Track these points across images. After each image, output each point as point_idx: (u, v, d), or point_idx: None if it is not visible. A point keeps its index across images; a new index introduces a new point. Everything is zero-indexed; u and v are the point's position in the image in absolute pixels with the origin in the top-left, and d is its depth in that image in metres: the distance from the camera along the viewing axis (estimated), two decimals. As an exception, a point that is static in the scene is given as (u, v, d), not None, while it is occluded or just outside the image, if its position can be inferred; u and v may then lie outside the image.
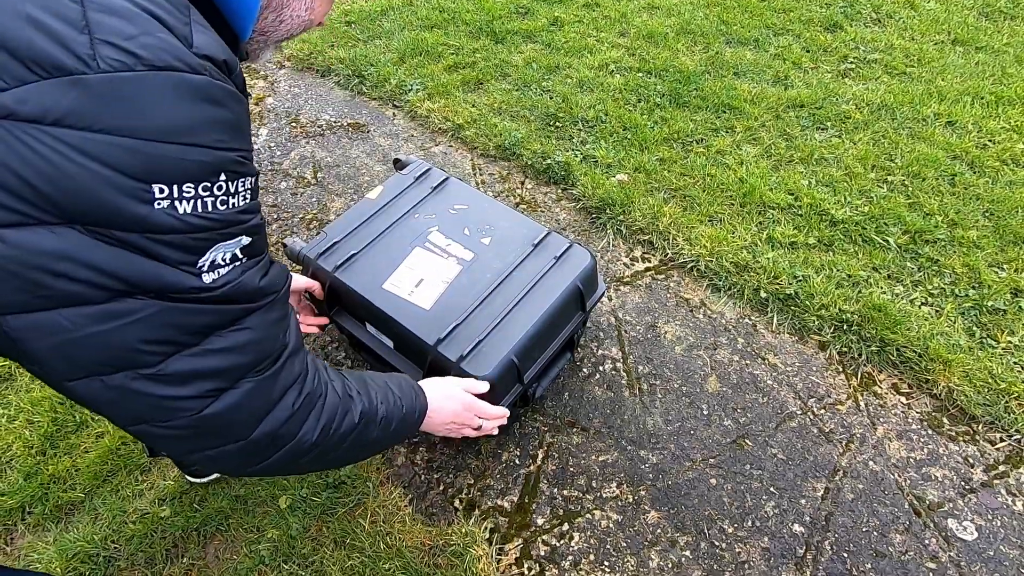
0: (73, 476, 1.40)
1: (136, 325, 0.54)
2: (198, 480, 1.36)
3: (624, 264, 1.85)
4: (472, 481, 1.39)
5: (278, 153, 2.30)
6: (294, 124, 2.43)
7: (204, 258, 0.55)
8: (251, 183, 0.59)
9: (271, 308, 0.64)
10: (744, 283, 1.75)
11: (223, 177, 0.55)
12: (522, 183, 2.14)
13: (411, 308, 1.26)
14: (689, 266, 1.82)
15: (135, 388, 0.56)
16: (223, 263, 0.57)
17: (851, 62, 2.61)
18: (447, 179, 1.51)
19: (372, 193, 1.48)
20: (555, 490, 1.37)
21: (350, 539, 1.28)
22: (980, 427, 1.46)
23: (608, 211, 1.97)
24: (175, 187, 0.51)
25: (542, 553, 1.28)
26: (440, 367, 1.22)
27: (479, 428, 1.10)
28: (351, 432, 0.75)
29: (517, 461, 1.42)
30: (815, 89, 2.43)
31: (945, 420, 1.48)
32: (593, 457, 1.42)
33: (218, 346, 0.59)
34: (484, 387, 1.13)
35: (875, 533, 1.29)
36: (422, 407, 0.95)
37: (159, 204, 0.51)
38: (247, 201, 0.58)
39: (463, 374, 1.18)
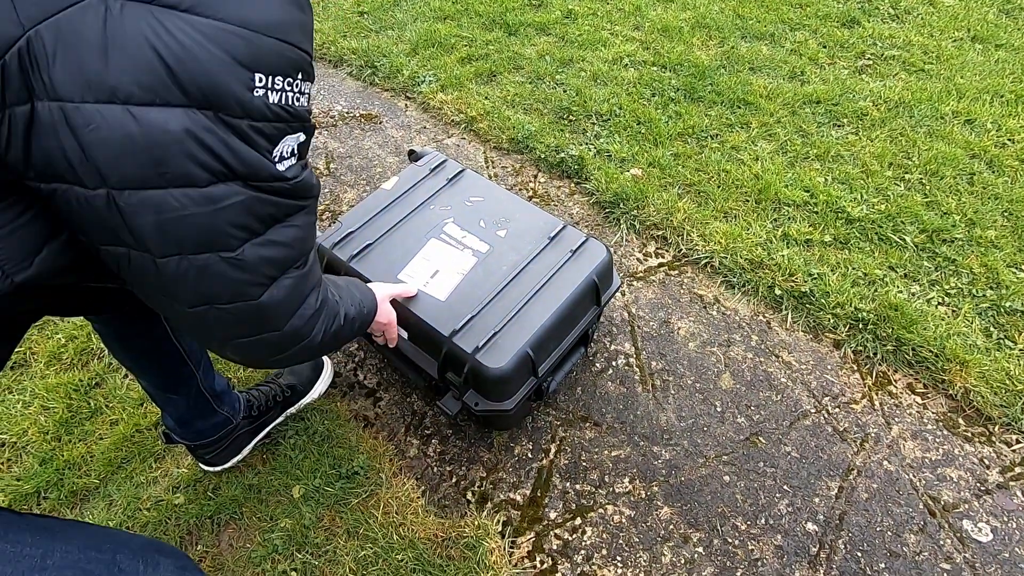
0: (88, 462, 1.41)
1: (228, 210, 0.61)
2: (212, 468, 1.36)
3: (637, 259, 1.84)
4: (485, 474, 1.39)
5: (290, 143, 2.29)
6: (306, 114, 2.43)
7: (277, 148, 0.63)
8: (312, 89, 0.67)
9: (311, 210, 0.73)
10: (759, 280, 1.74)
11: (300, 76, 0.63)
12: (535, 176, 2.12)
13: (426, 299, 1.26)
14: (703, 262, 1.81)
15: (216, 270, 0.64)
16: (287, 155, 0.65)
17: (868, 58, 2.58)
18: (463, 171, 1.50)
19: (387, 184, 1.48)
20: (568, 484, 1.37)
21: (363, 529, 1.28)
22: (996, 428, 1.45)
23: (622, 206, 1.96)
24: (270, 78, 0.59)
25: (554, 547, 1.28)
26: (455, 358, 1.21)
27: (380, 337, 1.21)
28: (338, 331, 0.87)
29: (530, 455, 1.42)
30: (832, 85, 2.40)
31: (961, 421, 1.47)
32: (606, 452, 1.42)
33: (275, 238, 0.67)
34: (413, 292, 1.27)
35: (889, 533, 1.29)
36: (373, 307, 1.04)
37: (257, 92, 0.58)
38: (309, 103, 0.67)
39: (479, 366, 1.17)
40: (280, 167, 0.64)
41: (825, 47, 2.65)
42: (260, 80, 0.58)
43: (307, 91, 0.65)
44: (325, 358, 1.54)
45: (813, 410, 1.49)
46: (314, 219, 0.75)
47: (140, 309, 1.01)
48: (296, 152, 0.66)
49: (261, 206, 0.64)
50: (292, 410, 1.46)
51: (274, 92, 0.60)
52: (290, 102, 0.62)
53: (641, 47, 2.66)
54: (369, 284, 1.12)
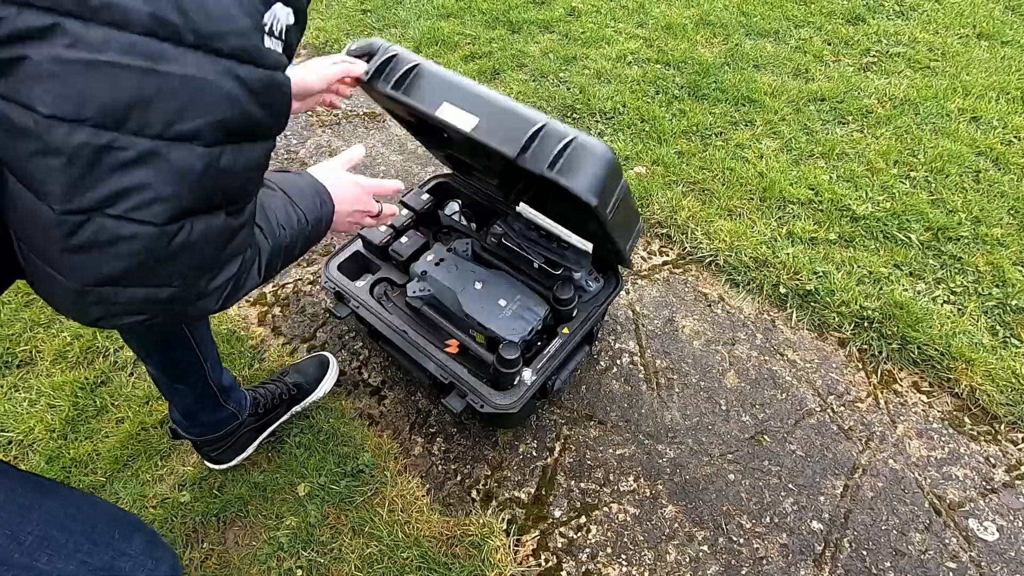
0: (94, 460, 1.41)
1: (165, 79, 0.46)
2: (217, 466, 1.36)
3: (642, 258, 1.84)
4: (489, 472, 1.40)
5: (294, 142, 2.29)
6: (310, 113, 2.43)
7: (268, 13, 0.52)
8: None
9: (268, 144, 0.60)
10: (763, 278, 1.74)
11: None
12: (539, 175, 2.12)
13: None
14: (707, 260, 1.81)
15: (117, 159, 0.47)
16: (276, 34, 0.53)
17: (873, 55, 2.57)
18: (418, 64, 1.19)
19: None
20: (572, 483, 1.37)
21: (368, 527, 1.28)
22: (1002, 427, 1.44)
23: (626, 204, 1.95)
24: None
25: (559, 545, 1.28)
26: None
27: (378, 215, 1.00)
28: (253, 283, 0.70)
29: (534, 453, 1.42)
30: (836, 83, 2.39)
31: (967, 419, 1.46)
32: (610, 450, 1.42)
33: (220, 160, 0.53)
34: (397, 185, 1.02)
35: (895, 531, 1.29)
36: (328, 214, 0.86)
37: None
38: None
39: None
40: (267, 41, 0.51)
41: (830, 44, 2.64)
42: None
43: None
44: (331, 357, 1.55)
45: (818, 409, 1.49)
46: (266, 160, 0.61)
47: None
48: (284, 36, 0.54)
49: (221, 105, 0.50)
50: (297, 408, 1.47)
51: None
52: None
53: (645, 44, 2.65)
54: (323, 174, 0.90)
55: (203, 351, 1.15)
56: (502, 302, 1.31)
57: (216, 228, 0.56)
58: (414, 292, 1.36)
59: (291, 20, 0.54)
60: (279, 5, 0.52)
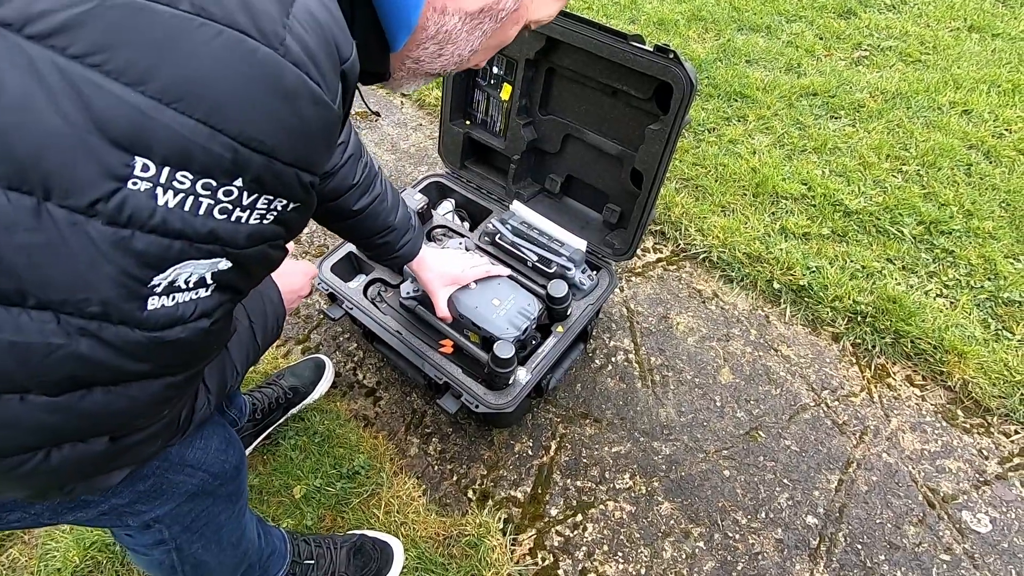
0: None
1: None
2: (213, 470, 1.36)
3: (636, 255, 1.84)
4: (485, 472, 1.40)
5: (286, 142, 2.28)
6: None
7: (163, 275, 0.40)
8: (284, 206, 0.44)
9: (170, 380, 0.49)
10: (757, 274, 1.74)
11: (240, 182, 0.40)
12: (532, 173, 2.12)
13: None
14: (701, 257, 1.81)
15: None
16: (184, 287, 0.42)
17: (865, 49, 2.58)
18: None
19: None
20: (568, 481, 1.38)
21: (364, 529, 1.28)
22: (995, 419, 1.45)
23: (619, 201, 1.95)
24: (164, 169, 0.37)
25: (556, 544, 1.29)
26: None
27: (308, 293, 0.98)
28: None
29: (530, 452, 1.43)
30: (828, 77, 2.40)
31: (959, 412, 1.47)
32: (606, 448, 1.42)
33: (80, 404, 0.44)
34: (314, 270, 0.98)
35: (889, 525, 1.29)
36: (273, 336, 0.80)
37: (135, 184, 0.37)
38: (261, 223, 0.43)
39: None
40: (151, 303, 0.41)
41: (822, 39, 2.64)
42: (144, 168, 0.36)
43: (262, 206, 0.42)
44: (327, 360, 1.54)
45: (812, 403, 1.50)
46: (185, 384, 0.51)
47: None
48: (207, 282, 0.43)
49: (66, 365, 0.41)
50: (293, 411, 1.46)
51: (169, 191, 0.38)
52: (201, 211, 0.39)
53: (637, 41, 2.65)
54: (286, 268, 0.85)
55: None
56: (496, 301, 1.30)
57: (90, 453, 0.48)
58: (408, 292, 1.36)
59: (222, 267, 0.43)
60: (188, 264, 0.41)
